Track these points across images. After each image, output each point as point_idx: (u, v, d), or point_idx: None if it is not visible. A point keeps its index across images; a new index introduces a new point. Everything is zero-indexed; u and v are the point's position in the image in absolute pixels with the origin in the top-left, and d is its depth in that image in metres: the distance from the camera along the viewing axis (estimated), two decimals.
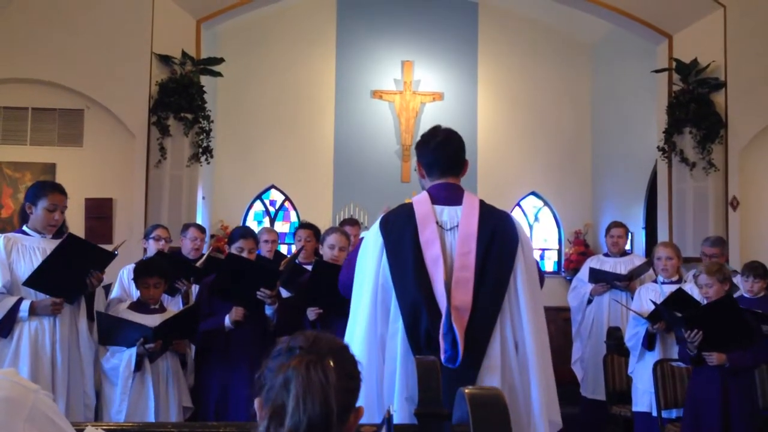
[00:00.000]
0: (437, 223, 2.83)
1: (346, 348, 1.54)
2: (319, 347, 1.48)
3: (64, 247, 4.18)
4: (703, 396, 4.73)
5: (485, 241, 2.79)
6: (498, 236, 2.82)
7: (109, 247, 4.68)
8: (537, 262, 3.09)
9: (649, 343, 5.50)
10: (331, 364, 1.45)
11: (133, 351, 4.34)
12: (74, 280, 4.26)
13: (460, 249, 2.77)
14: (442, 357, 2.60)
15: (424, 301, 2.69)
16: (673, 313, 4.93)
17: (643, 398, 5.59)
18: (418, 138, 3.11)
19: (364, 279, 2.83)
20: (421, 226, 2.80)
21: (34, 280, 4.14)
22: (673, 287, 5.43)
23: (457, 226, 2.83)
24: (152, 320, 4.48)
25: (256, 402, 1.50)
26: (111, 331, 4.40)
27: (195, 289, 5.51)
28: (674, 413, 5.35)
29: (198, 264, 5.71)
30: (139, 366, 4.38)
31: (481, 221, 2.83)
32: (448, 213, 2.86)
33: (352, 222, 6.54)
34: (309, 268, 5.35)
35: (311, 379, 1.42)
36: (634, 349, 5.66)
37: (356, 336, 2.77)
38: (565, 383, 7.04)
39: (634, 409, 5.72)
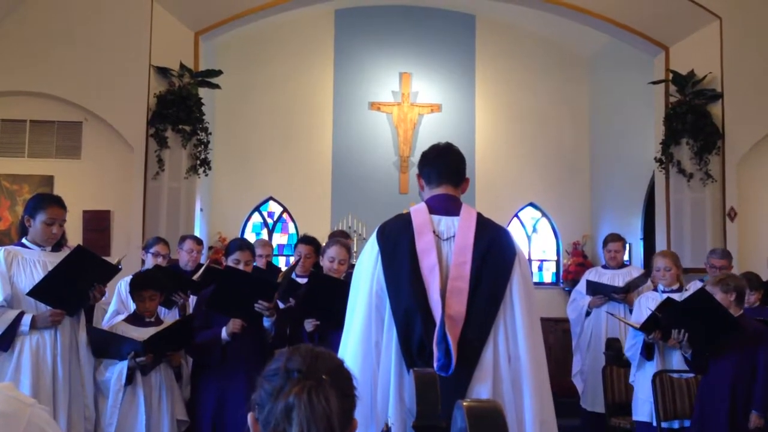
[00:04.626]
0: (434, 232, 2.84)
1: (341, 365, 1.53)
2: (317, 369, 1.46)
3: (71, 259, 4.17)
4: (711, 406, 4.72)
5: (481, 253, 2.80)
6: (494, 248, 2.83)
7: (111, 261, 4.67)
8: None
9: (647, 352, 5.50)
10: (332, 388, 1.44)
11: (125, 364, 4.33)
12: (77, 292, 4.25)
13: (456, 259, 2.79)
14: (435, 365, 2.61)
15: (418, 309, 2.71)
16: (657, 315, 5.02)
17: (644, 407, 5.58)
18: (418, 151, 3.15)
19: (360, 286, 2.85)
20: (418, 235, 2.82)
21: (39, 291, 4.12)
22: (675, 296, 5.43)
23: (454, 236, 2.84)
24: (147, 333, 4.47)
25: (250, 417, 1.49)
26: (103, 345, 4.40)
27: (192, 301, 5.50)
28: (676, 424, 5.33)
29: (195, 276, 5.70)
30: (130, 379, 4.36)
31: (477, 233, 2.84)
32: (445, 223, 2.88)
33: (344, 235, 6.54)
34: (304, 282, 5.34)
35: (314, 408, 1.41)
36: (633, 359, 5.66)
37: (350, 343, 2.79)
38: (566, 395, 7.05)
39: (635, 418, 5.71)
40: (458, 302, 2.72)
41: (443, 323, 2.65)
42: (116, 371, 4.36)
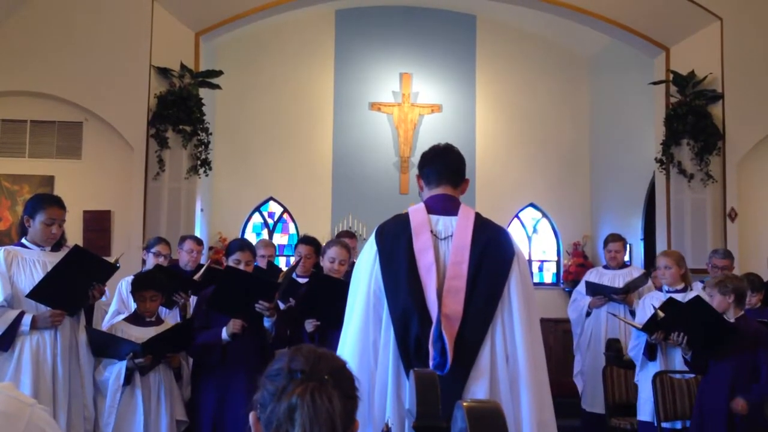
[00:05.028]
0: (432, 232, 2.84)
1: (344, 366, 1.53)
2: (320, 370, 1.46)
3: (69, 259, 4.17)
4: (710, 406, 4.72)
5: (479, 252, 2.80)
6: (492, 248, 2.83)
7: (109, 260, 4.67)
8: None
9: (650, 353, 5.49)
10: (334, 388, 1.44)
11: (123, 365, 4.34)
12: (76, 292, 4.25)
13: (453, 258, 2.79)
14: (431, 364, 2.62)
15: (415, 308, 2.71)
16: (658, 313, 5.02)
17: (646, 407, 5.58)
18: (419, 151, 3.15)
19: (358, 286, 2.86)
20: (416, 235, 2.82)
21: (38, 292, 4.13)
22: (679, 296, 5.40)
23: (452, 235, 2.84)
24: (148, 333, 4.48)
25: (251, 416, 1.49)
26: (102, 345, 4.41)
27: (193, 301, 5.50)
28: (678, 424, 5.32)
29: (196, 276, 5.70)
30: (128, 380, 4.37)
31: (475, 232, 2.84)
32: (443, 223, 2.88)
33: (349, 235, 6.53)
34: (304, 282, 5.34)
35: (318, 409, 1.41)
36: (636, 359, 5.66)
37: (348, 342, 2.80)
38: (566, 396, 7.04)
39: (639, 417, 5.71)
40: (455, 301, 2.72)
41: (439, 322, 2.65)
42: (114, 371, 4.36)
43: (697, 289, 5.79)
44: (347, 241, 5.82)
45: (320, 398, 1.42)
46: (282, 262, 9.78)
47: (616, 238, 7.09)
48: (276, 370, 1.48)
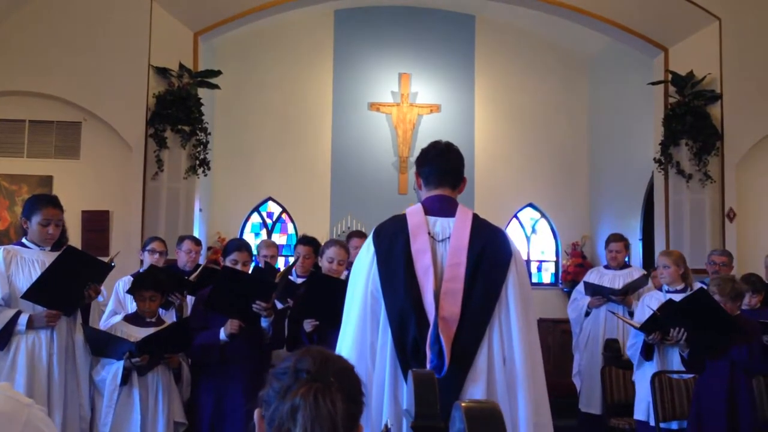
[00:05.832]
0: (429, 233, 2.83)
1: (351, 369, 1.53)
2: (326, 372, 1.46)
3: (63, 260, 4.17)
4: (708, 406, 4.71)
5: (476, 254, 2.79)
6: (489, 250, 2.82)
7: (105, 259, 4.67)
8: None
9: (647, 353, 5.49)
10: (338, 391, 1.44)
11: (120, 364, 4.34)
12: (72, 292, 4.25)
13: (450, 260, 2.78)
14: (428, 366, 2.61)
15: (412, 310, 2.70)
16: (656, 314, 5.00)
17: (641, 406, 5.58)
18: (418, 151, 3.13)
19: (356, 287, 2.85)
20: (413, 236, 2.82)
21: (33, 293, 4.12)
22: (679, 296, 5.38)
23: (449, 237, 2.83)
24: (147, 333, 4.46)
25: (256, 413, 1.49)
26: (100, 344, 4.41)
27: (190, 301, 5.49)
28: (675, 425, 5.32)
29: (192, 277, 5.69)
30: (125, 380, 4.37)
31: (473, 234, 2.83)
32: (440, 224, 2.87)
33: (360, 234, 6.51)
34: (302, 282, 5.33)
35: (320, 410, 1.41)
36: (633, 358, 5.66)
37: (346, 344, 2.79)
38: (564, 396, 7.03)
39: (635, 417, 5.71)
40: (452, 303, 2.71)
41: (436, 324, 2.65)
42: (112, 371, 4.36)
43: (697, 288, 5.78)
44: (356, 241, 5.80)
45: (323, 400, 1.42)
46: (281, 263, 9.78)
47: (617, 238, 7.06)
48: (283, 369, 1.49)
